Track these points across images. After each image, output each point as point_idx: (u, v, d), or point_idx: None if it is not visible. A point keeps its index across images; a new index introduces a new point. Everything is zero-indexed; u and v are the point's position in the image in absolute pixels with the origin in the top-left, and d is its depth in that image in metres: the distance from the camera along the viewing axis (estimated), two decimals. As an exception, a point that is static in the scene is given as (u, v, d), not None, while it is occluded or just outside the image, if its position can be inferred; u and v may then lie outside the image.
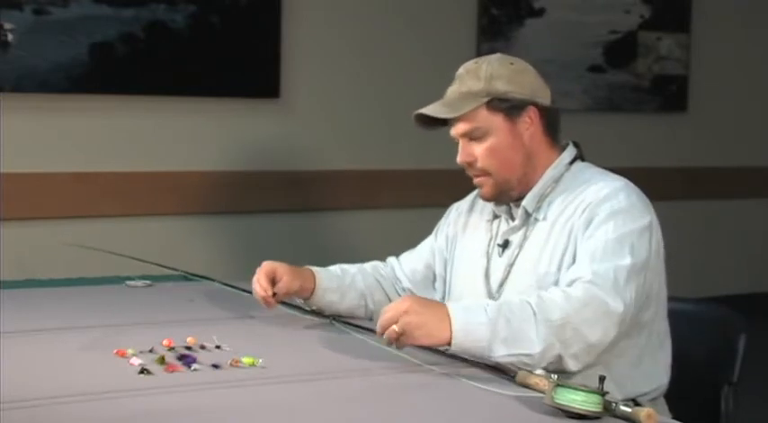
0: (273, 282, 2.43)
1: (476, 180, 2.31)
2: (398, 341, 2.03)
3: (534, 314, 2.03)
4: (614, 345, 2.14)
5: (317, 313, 2.51)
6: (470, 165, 2.29)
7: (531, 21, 5.41)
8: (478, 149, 2.27)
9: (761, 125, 6.20)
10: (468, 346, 2.02)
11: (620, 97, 5.74)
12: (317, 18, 4.87)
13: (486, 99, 2.25)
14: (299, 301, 2.53)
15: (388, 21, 5.04)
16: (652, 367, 2.23)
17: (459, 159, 2.30)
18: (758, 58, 6.18)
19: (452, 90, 2.30)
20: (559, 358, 2.04)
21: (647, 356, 2.22)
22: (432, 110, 2.28)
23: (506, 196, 2.31)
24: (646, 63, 5.80)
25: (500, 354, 2.02)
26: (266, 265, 2.45)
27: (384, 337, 2.04)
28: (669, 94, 5.89)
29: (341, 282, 2.50)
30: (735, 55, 6.07)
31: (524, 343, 2.02)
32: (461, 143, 2.29)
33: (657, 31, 5.82)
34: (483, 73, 2.28)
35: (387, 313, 2.04)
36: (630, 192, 2.22)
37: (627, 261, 2.10)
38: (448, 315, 2.02)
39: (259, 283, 2.43)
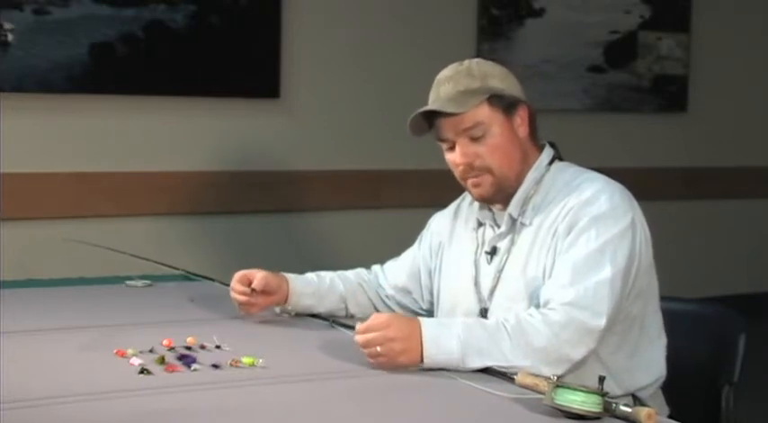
0: (249, 284, 2.45)
1: (472, 181, 2.27)
2: (377, 360, 2.05)
3: (508, 334, 2.06)
4: (608, 342, 2.15)
5: (317, 314, 2.52)
6: (470, 165, 2.24)
7: (531, 21, 5.40)
8: (481, 148, 2.23)
9: (761, 125, 6.20)
10: (440, 358, 2.04)
11: (620, 97, 5.74)
12: (317, 18, 4.87)
13: (486, 95, 2.24)
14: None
15: (388, 21, 5.05)
16: (649, 359, 2.24)
17: (459, 160, 2.24)
18: (758, 58, 6.18)
19: (447, 90, 2.25)
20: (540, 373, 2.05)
21: (642, 348, 2.23)
22: (439, 106, 2.24)
23: (502, 194, 2.28)
24: (646, 63, 5.80)
25: (475, 365, 2.04)
26: (239, 273, 2.48)
27: (365, 352, 2.06)
28: (669, 94, 5.89)
29: (317, 287, 2.51)
30: (735, 55, 6.07)
31: (497, 356, 2.04)
32: (461, 143, 2.24)
33: (657, 31, 5.82)
34: (476, 71, 2.26)
35: (369, 333, 2.06)
36: (613, 192, 2.21)
37: (607, 274, 2.10)
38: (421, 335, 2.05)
39: (234, 290, 2.46)
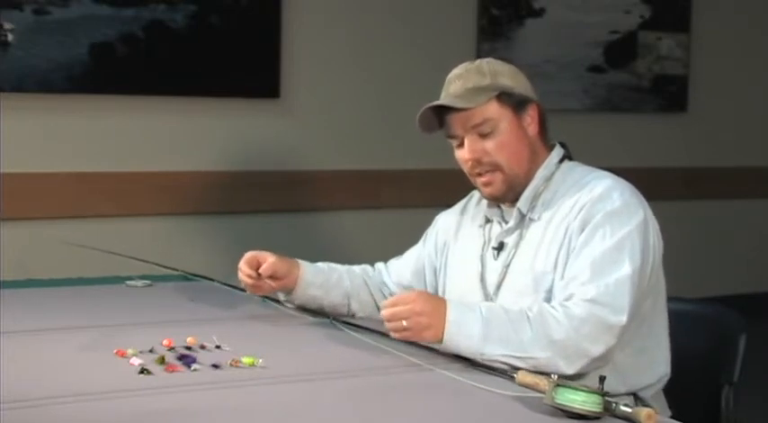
0: (258, 267, 2.47)
1: (482, 179, 2.28)
2: (401, 334, 2.08)
3: (530, 323, 2.06)
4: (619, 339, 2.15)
5: (317, 313, 2.52)
6: (478, 161, 2.26)
7: (531, 21, 5.41)
8: (489, 144, 2.25)
9: (761, 125, 6.20)
10: (460, 340, 2.06)
11: (620, 97, 5.74)
12: (317, 18, 4.88)
13: (495, 92, 2.25)
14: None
15: (388, 21, 5.05)
16: (654, 357, 2.24)
17: (467, 156, 2.26)
18: (758, 58, 6.19)
19: (457, 87, 2.27)
20: (558, 368, 2.05)
21: (648, 347, 2.23)
22: (448, 102, 2.26)
23: (512, 193, 2.29)
24: (646, 63, 5.80)
25: (494, 352, 2.04)
26: (249, 253, 2.51)
27: (389, 326, 2.09)
28: (669, 94, 5.89)
29: (327, 278, 2.53)
30: (735, 55, 6.07)
31: (516, 345, 2.05)
32: (469, 139, 2.26)
33: (657, 31, 5.82)
34: (486, 69, 2.28)
35: (396, 306, 2.08)
36: (623, 189, 2.22)
37: (627, 270, 2.11)
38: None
39: (242, 271, 2.49)
